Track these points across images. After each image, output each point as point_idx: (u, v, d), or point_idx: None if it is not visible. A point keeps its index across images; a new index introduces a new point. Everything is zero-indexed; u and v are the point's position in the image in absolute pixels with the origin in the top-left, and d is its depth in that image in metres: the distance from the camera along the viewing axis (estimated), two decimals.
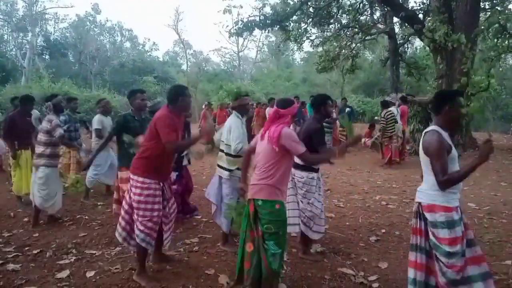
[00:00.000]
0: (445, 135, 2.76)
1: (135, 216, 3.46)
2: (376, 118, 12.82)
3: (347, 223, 5.27)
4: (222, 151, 4.29)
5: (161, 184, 3.55)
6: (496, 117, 26.67)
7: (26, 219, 5.39)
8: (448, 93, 3.12)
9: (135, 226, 3.47)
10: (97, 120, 6.41)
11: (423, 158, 2.81)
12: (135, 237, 3.47)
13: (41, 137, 5.02)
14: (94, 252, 4.22)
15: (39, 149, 5.03)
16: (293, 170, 3.80)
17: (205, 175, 8.66)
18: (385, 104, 10.34)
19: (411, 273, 2.84)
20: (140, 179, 3.43)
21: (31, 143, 5.98)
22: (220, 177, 4.29)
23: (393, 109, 10.03)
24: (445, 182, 2.63)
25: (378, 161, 10.48)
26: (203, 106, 14.71)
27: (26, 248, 4.32)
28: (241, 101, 4.36)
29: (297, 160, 3.49)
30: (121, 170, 4.65)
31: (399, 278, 3.58)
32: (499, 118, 26.53)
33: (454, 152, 2.79)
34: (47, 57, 38.91)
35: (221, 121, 11.86)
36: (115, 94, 26.78)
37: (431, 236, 2.72)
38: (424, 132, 2.89)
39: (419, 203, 2.84)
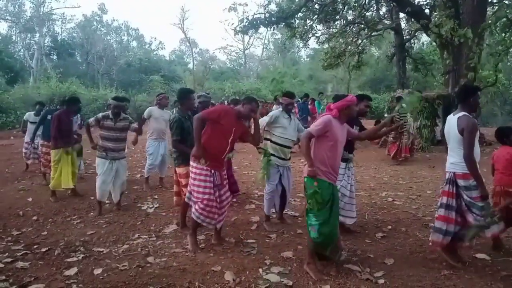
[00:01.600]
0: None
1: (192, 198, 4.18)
2: (385, 115, 12.69)
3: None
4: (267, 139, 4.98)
5: (212, 171, 4.10)
6: (504, 112, 26.42)
7: (35, 218, 5.45)
8: (473, 88, 3.95)
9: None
10: (147, 111, 7.12)
11: (456, 136, 3.60)
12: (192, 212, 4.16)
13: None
14: (101, 249, 4.26)
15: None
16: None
17: None
18: (400, 100, 10.25)
19: (440, 224, 3.70)
20: (194, 165, 4.08)
21: (72, 141, 6.51)
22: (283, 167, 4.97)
23: (405, 105, 9.96)
24: (469, 158, 3.50)
25: (385, 158, 10.43)
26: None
27: (35, 246, 4.37)
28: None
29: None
30: (180, 167, 4.91)
31: (405, 274, 3.58)
32: (507, 113, 26.29)
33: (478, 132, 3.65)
34: (54, 57, 39.25)
35: None
36: (123, 93, 26.93)
37: (465, 197, 3.59)
38: (457, 116, 3.62)
39: (454, 172, 3.66)
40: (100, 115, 5.63)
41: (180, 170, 4.90)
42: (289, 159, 5.04)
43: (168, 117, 6.83)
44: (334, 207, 3.56)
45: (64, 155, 6.27)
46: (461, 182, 3.61)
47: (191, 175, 4.14)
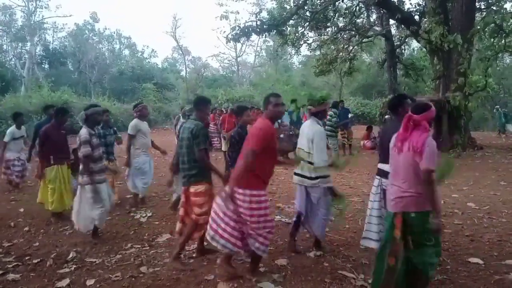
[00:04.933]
0: None
1: (251, 231, 3.47)
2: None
3: (347, 226, 5.26)
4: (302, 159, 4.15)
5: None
6: (495, 116, 26.66)
7: (26, 229, 5.39)
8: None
9: (252, 239, 3.50)
10: (132, 125, 6.30)
11: None
12: (253, 248, 3.53)
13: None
14: (94, 260, 4.22)
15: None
16: (384, 180, 3.71)
17: None
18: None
19: None
20: (253, 192, 3.45)
21: (67, 157, 5.80)
22: (305, 187, 4.20)
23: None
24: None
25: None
26: (224, 111, 14.40)
27: (27, 258, 4.33)
28: (324, 106, 4.32)
29: (385, 166, 3.51)
30: (197, 184, 4.04)
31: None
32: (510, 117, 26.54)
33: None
34: (46, 66, 39.05)
35: (229, 127, 10.40)
36: (115, 102, 26.89)
37: None
38: None
39: None
40: (85, 137, 4.61)
41: (198, 187, 4.02)
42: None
43: (147, 128, 6.45)
44: None
45: (60, 172, 5.66)
46: None
47: (252, 205, 3.42)
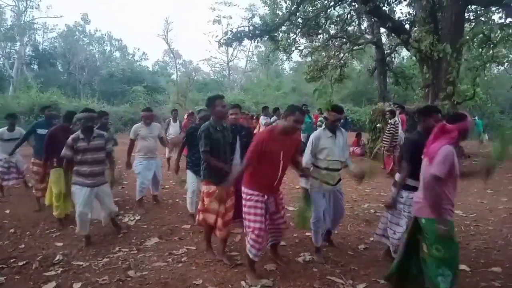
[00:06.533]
0: None
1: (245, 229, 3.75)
2: (378, 125, 12.78)
3: (336, 231, 5.27)
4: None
5: (266, 197, 3.70)
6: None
7: (12, 230, 5.31)
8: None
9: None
10: (132, 129, 6.31)
11: None
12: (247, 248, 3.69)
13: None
14: (81, 263, 4.17)
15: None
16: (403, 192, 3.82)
17: None
18: (393, 113, 10.28)
19: None
20: (245, 190, 3.72)
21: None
22: (323, 193, 4.27)
23: (397, 118, 10.02)
24: None
25: (380, 172, 10.52)
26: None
27: (12, 260, 4.26)
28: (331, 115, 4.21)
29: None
30: (204, 183, 4.20)
31: (388, 286, 3.60)
32: (485, 126, 26.89)
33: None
34: (35, 67, 38.66)
35: None
36: (104, 104, 26.70)
37: None
38: None
39: None
40: (69, 140, 4.61)
41: (203, 188, 4.20)
42: (339, 181, 4.37)
43: (157, 132, 6.39)
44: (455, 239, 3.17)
45: (63, 175, 5.35)
46: None
47: (243, 201, 3.74)
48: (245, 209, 3.70)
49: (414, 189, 3.50)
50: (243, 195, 3.73)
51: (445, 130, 2.94)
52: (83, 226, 4.72)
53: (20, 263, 4.15)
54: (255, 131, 12.47)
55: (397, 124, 9.71)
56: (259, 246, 3.60)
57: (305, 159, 4.13)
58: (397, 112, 10.72)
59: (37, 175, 6.07)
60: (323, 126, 4.33)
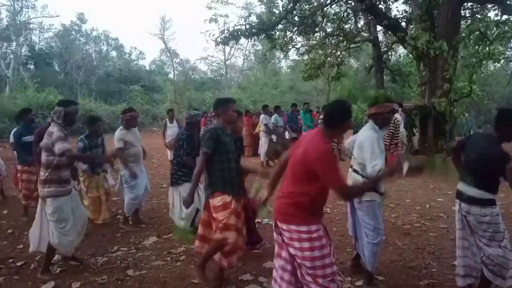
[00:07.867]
0: None
1: (308, 278, 2.58)
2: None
3: (334, 229, 5.30)
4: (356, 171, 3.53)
5: (322, 227, 2.72)
6: (479, 122, 27.12)
7: (10, 231, 5.31)
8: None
9: None
10: (116, 138, 5.40)
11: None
12: None
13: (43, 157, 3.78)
14: (79, 263, 4.16)
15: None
16: (463, 205, 3.15)
17: None
18: (394, 111, 10.20)
19: None
20: (303, 228, 2.59)
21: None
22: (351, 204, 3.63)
23: (397, 115, 9.97)
24: None
25: None
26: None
27: (10, 260, 4.26)
28: (381, 108, 3.55)
29: (475, 193, 3.03)
30: (214, 196, 3.51)
31: (385, 283, 3.62)
32: (482, 123, 26.98)
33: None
34: (32, 66, 38.52)
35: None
36: (101, 103, 26.66)
37: None
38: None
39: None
40: (59, 134, 3.68)
41: (215, 201, 3.49)
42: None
43: (136, 136, 5.63)
44: None
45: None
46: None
47: (305, 244, 2.56)
48: (312, 253, 2.56)
49: (494, 203, 3.04)
50: (303, 236, 2.57)
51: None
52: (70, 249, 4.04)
53: (19, 264, 4.16)
54: (255, 130, 12.49)
55: (398, 122, 9.69)
56: None
57: (378, 165, 3.13)
58: (399, 110, 10.70)
59: (30, 183, 5.72)
60: (369, 124, 3.54)
